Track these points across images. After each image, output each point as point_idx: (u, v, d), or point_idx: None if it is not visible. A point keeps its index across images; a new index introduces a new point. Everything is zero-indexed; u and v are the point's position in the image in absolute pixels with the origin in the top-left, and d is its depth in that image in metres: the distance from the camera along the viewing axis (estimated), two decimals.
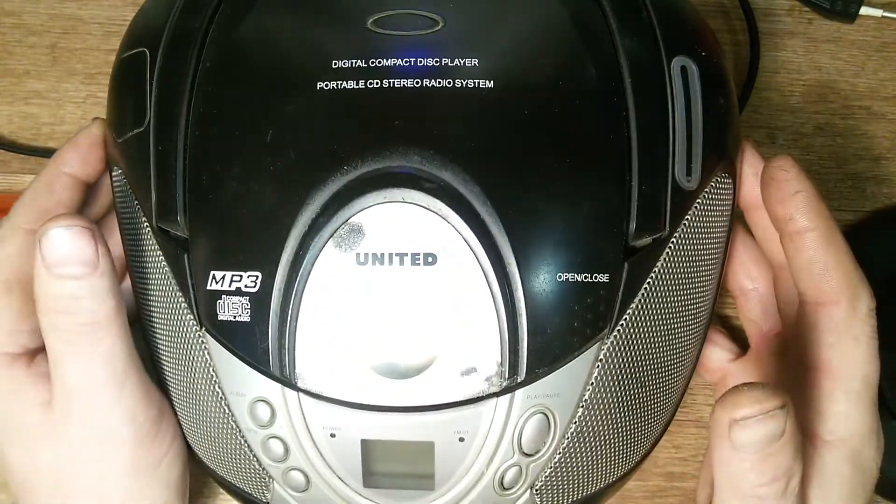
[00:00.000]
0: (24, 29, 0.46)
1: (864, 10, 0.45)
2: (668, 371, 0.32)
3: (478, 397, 0.29)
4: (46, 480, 0.32)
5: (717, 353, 0.37)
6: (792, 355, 0.35)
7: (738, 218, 0.35)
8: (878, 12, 0.45)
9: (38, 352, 0.33)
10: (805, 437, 0.31)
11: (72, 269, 0.29)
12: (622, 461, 0.33)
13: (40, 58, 0.45)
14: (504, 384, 0.29)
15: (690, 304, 0.32)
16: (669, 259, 0.31)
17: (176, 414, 0.34)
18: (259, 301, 0.29)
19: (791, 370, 0.34)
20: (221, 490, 0.41)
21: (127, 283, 0.35)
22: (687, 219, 0.31)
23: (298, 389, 0.30)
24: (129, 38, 0.35)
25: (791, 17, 0.46)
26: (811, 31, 0.46)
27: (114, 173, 0.34)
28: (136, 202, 0.32)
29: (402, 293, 0.29)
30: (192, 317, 0.30)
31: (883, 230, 0.44)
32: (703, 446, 0.42)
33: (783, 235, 0.32)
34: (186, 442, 0.34)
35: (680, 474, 0.42)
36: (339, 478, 0.31)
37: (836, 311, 0.31)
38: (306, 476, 0.31)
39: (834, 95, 0.45)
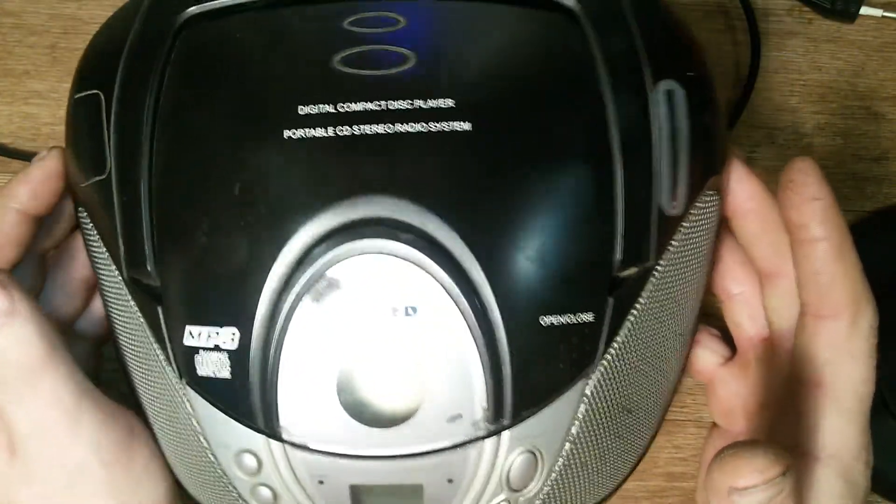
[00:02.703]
0: (24, 29, 0.46)
1: (864, 10, 0.45)
2: (653, 393, 0.32)
3: (465, 441, 0.29)
4: None
5: (707, 357, 0.37)
6: (780, 362, 0.34)
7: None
8: (878, 12, 0.45)
9: None
10: (796, 452, 0.30)
11: None
12: (607, 483, 0.33)
13: (40, 58, 0.45)
14: (490, 428, 0.29)
15: (675, 326, 0.32)
16: (655, 287, 0.30)
17: (150, 432, 0.33)
18: (238, 357, 0.29)
19: (778, 376, 0.34)
20: None
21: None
22: (672, 244, 0.30)
23: (284, 441, 0.29)
24: (81, 78, 0.34)
25: (791, 17, 0.46)
26: (811, 31, 0.46)
27: (80, 215, 0.33)
28: (104, 250, 0.32)
29: (382, 344, 0.28)
30: (171, 370, 0.30)
31: (883, 230, 0.44)
32: (702, 446, 0.42)
33: (794, 241, 0.31)
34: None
35: (680, 474, 0.43)
36: None
37: (836, 326, 0.30)
38: None
39: (834, 95, 0.45)
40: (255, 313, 0.28)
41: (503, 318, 0.28)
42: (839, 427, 0.30)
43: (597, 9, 0.31)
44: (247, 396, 0.29)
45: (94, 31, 0.45)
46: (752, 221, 0.33)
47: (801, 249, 0.31)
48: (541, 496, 0.31)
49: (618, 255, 0.29)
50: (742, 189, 0.33)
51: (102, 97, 0.31)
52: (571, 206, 0.29)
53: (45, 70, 0.45)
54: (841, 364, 0.30)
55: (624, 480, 0.34)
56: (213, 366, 0.29)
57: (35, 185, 0.33)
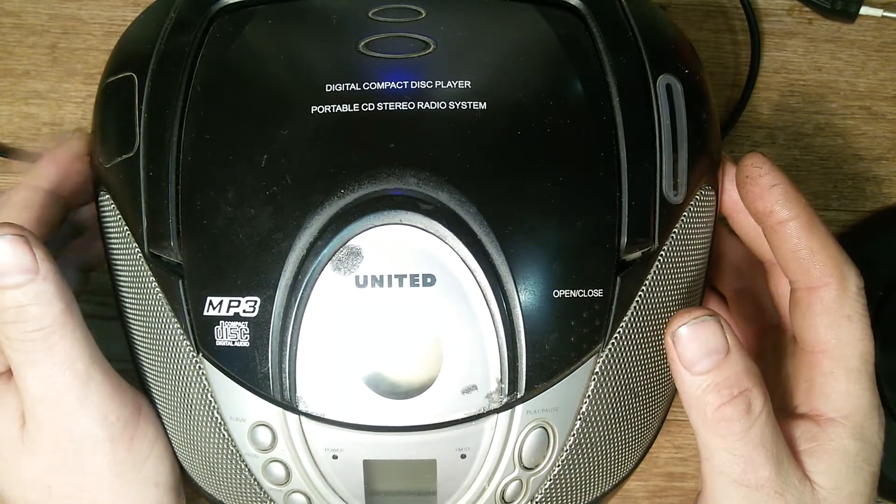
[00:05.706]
0: (24, 29, 0.46)
1: (864, 10, 0.45)
2: (659, 379, 0.33)
3: (479, 414, 0.30)
4: (36, 494, 0.32)
5: None
6: (792, 346, 0.35)
7: (723, 223, 0.36)
8: (878, 12, 0.45)
9: None
10: (810, 417, 0.32)
11: (12, 278, 0.29)
12: (617, 469, 0.33)
13: (40, 58, 0.45)
14: (504, 400, 0.29)
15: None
16: (659, 271, 0.31)
17: (157, 413, 0.33)
18: (258, 326, 0.29)
19: (794, 360, 0.35)
20: None
21: None
22: (674, 232, 0.32)
23: (300, 413, 0.30)
24: (115, 63, 0.34)
25: (791, 17, 0.46)
26: (811, 31, 0.46)
27: (101, 198, 0.34)
28: (125, 228, 0.32)
29: (401, 314, 0.29)
30: (188, 343, 0.30)
31: (883, 230, 0.44)
32: None
33: (766, 229, 0.32)
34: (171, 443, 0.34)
35: (680, 474, 0.43)
36: (342, 498, 0.31)
37: (826, 293, 0.31)
38: (308, 498, 0.32)
39: (834, 95, 0.45)
40: (277, 281, 0.29)
41: (518, 288, 0.29)
42: (848, 387, 0.31)
43: (599, 7, 0.33)
44: (264, 365, 0.29)
45: (94, 31, 0.46)
46: (750, 217, 0.34)
47: (774, 235, 0.32)
48: (551, 476, 0.31)
49: (624, 237, 0.30)
50: (735, 188, 0.34)
51: (136, 79, 0.32)
52: (580, 186, 0.30)
53: (45, 70, 0.45)
54: (841, 327, 0.31)
55: (629, 474, 0.35)
56: (232, 335, 0.30)
57: (64, 165, 0.34)
